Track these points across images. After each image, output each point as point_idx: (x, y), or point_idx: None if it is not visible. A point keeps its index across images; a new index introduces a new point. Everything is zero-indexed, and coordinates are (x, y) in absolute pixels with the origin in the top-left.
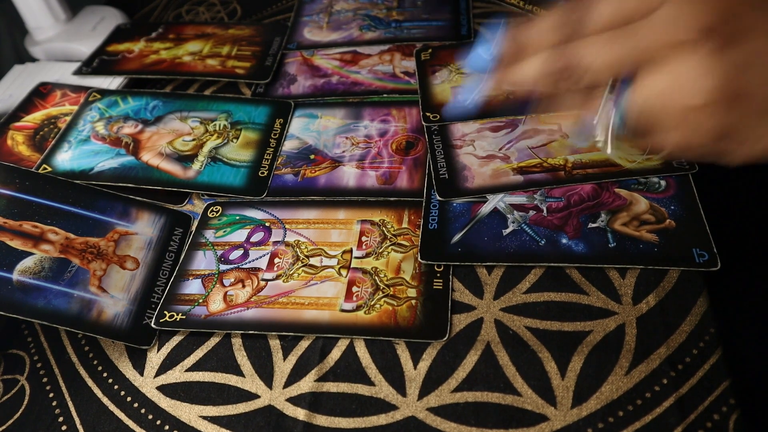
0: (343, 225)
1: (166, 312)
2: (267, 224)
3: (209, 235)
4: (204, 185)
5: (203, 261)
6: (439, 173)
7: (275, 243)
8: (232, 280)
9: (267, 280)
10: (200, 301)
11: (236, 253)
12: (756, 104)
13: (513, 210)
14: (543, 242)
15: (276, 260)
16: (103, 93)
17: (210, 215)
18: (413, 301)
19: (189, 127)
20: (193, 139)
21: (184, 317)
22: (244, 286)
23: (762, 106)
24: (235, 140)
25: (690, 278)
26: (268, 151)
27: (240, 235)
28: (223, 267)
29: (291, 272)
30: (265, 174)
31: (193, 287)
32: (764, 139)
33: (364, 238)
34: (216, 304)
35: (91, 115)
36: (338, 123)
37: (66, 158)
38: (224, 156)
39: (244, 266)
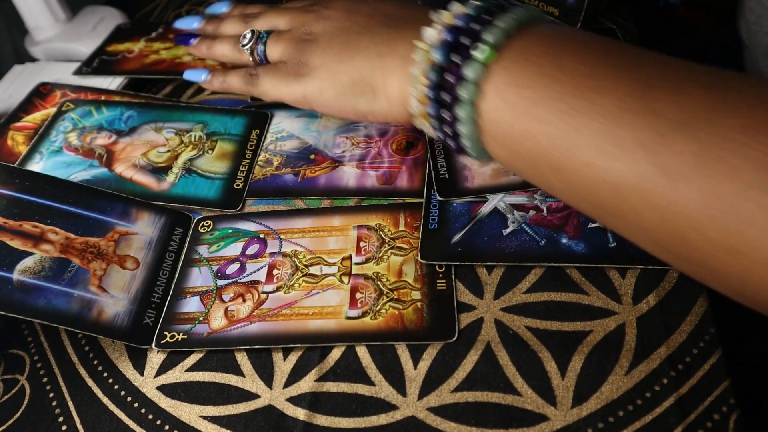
0: (339, 232)
1: (166, 333)
2: (261, 236)
3: (203, 250)
4: (178, 197)
5: (199, 277)
6: (439, 173)
7: (272, 254)
8: (232, 294)
9: (268, 293)
10: (201, 318)
11: (233, 267)
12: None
13: (513, 210)
14: (543, 242)
15: (275, 271)
16: (77, 103)
17: (201, 230)
18: (419, 304)
19: (164, 138)
20: (168, 151)
21: (185, 336)
22: (244, 300)
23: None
24: (210, 151)
25: (690, 278)
26: (243, 163)
27: (235, 249)
28: (220, 282)
29: (291, 283)
30: (241, 186)
31: (191, 305)
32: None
33: (362, 244)
34: (218, 321)
35: (64, 125)
36: (338, 123)
37: (37, 169)
38: (199, 168)
39: (243, 280)
